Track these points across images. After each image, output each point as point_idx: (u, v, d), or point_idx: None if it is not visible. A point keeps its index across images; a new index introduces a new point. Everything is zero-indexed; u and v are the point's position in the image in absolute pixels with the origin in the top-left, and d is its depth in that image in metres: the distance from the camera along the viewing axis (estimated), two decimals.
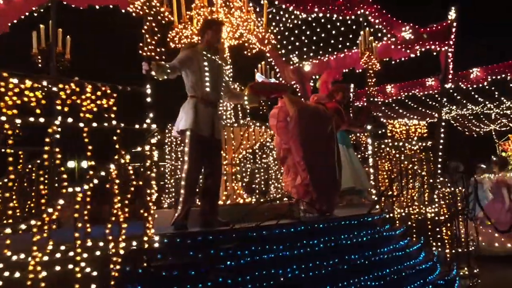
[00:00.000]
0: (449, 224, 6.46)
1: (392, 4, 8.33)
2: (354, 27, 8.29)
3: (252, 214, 4.27)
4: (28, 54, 5.92)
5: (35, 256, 2.80)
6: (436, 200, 6.81)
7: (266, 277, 3.79)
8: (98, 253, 3.13)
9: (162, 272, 3.42)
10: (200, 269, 3.55)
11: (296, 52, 9.97)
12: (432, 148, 7.96)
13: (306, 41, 9.48)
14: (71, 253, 3.00)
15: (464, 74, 10.23)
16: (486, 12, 17.22)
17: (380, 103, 11.74)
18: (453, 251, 6.32)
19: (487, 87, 10.27)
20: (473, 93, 10.78)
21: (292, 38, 9.43)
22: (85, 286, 2.97)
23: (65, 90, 3.17)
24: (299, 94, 10.10)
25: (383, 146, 6.70)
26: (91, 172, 3.17)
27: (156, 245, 3.47)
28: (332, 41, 9.27)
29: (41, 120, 3.05)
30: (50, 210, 2.97)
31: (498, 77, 9.97)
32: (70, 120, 3.17)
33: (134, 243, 3.34)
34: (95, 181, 3.16)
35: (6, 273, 2.76)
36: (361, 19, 7.61)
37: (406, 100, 11.61)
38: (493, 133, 15.72)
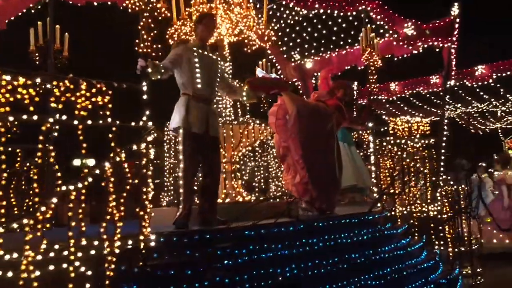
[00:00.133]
0: (451, 223, 6.40)
1: (394, 1, 8.26)
2: (355, 23, 8.23)
3: (250, 212, 4.23)
4: (25, 51, 5.89)
5: (27, 255, 2.76)
6: (439, 198, 6.75)
7: (264, 276, 3.74)
8: (93, 252, 3.08)
9: (158, 271, 3.37)
10: (197, 268, 3.50)
11: (297, 49, 9.91)
12: (435, 145, 7.91)
13: (307, 37, 9.42)
14: (65, 252, 2.95)
15: (469, 72, 10.14)
16: (488, 10, 17.12)
17: (384, 101, 11.69)
18: (456, 249, 6.25)
19: (492, 84, 10.18)
20: (478, 90, 10.69)
21: (293, 35, 9.38)
22: (79, 286, 2.92)
23: (59, 87, 3.12)
24: (300, 91, 10.04)
25: (385, 143, 6.65)
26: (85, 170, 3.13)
27: (152, 244, 3.41)
28: (334, 38, 9.22)
29: (35, 117, 3.00)
30: (43, 208, 2.92)
31: (504, 74, 9.89)
32: (64, 117, 3.12)
33: (130, 242, 3.30)
34: (90, 179, 3.11)
35: None
36: (362, 15, 7.56)
37: (411, 98, 11.54)
38: (499, 131, 15.61)
